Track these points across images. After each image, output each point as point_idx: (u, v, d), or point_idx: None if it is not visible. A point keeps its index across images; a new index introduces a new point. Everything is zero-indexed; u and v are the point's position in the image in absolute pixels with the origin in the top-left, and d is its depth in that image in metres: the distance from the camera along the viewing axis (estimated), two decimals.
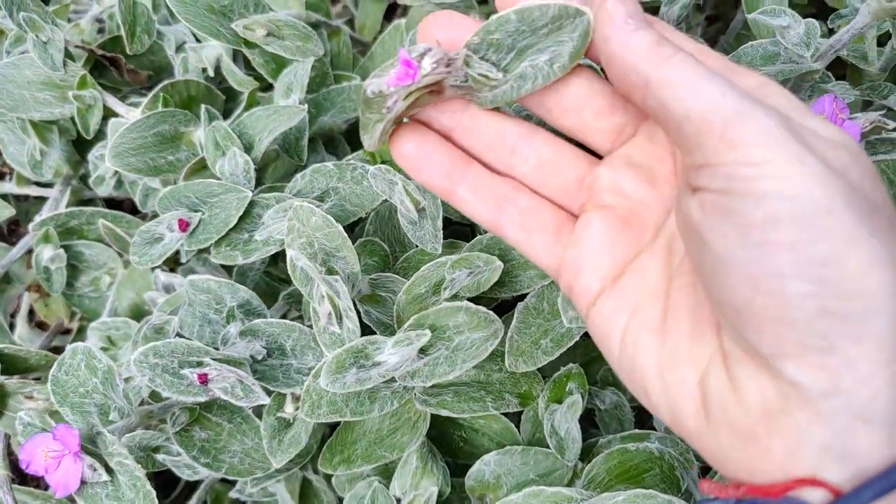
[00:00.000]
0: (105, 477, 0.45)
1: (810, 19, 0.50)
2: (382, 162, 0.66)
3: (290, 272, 0.49)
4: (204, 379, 0.49)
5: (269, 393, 0.51)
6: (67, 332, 0.89)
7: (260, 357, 0.52)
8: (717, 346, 0.33)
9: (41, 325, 0.95)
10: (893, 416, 0.28)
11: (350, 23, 0.97)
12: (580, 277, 0.39)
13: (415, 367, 0.47)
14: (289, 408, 0.53)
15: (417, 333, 0.46)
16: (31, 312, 0.93)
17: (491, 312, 0.47)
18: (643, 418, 0.67)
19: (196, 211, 0.58)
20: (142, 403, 0.56)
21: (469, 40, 0.36)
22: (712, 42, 0.88)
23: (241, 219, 0.57)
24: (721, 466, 0.33)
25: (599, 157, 0.41)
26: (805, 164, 0.29)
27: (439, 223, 0.53)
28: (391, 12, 1.00)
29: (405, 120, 0.40)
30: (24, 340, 0.86)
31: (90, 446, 0.47)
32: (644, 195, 0.38)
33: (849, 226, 0.28)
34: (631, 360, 0.36)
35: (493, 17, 0.36)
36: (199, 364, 0.49)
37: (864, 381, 0.28)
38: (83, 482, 0.45)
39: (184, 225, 0.56)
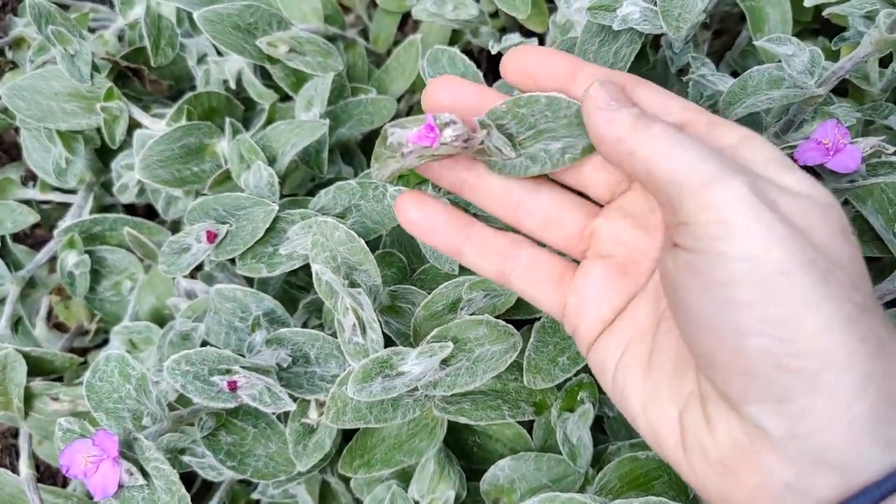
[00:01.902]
0: (141, 481, 0.48)
1: (814, 48, 0.52)
2: (400, 177, 0.68)
3: (315, 285, 0.51)
4: (233, 386, 0.51)
5: (293, 399, 0.53)
6: (85, 333, 0.91)
7: (285, 365, 0.54)
8: (695, 385, 0.36)
9: (58, 326, 0.97)
10: (845, 460, 0.31)
11: (363, 33, 0.99)
12: (581, 323, 0.42)
13: (437, 377, 0.49)
14: (313, 414, 0.55)
15: (440, 345, 0.48)
16: (49, 313, 0.96)
17: (510, 326, 0.50)
18: None
19: (223, 223, 0.60)
20: (169, 408, 0.58)
21: (496, 107, 0.40)
22: (718, 57, 0.90)
23: (266, 232, 0.59)
24: (700, 492, 0.36)
25: (600, 205, 0.43)
26: (768, 228, 0.31)
27: None
28: (403, 23, 1.02)
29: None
30: (43, 341, 0.88)
31: (127, 451, 0.49)
32: (641, 243, 0.41)
33: (806, 288, 0.31)
34: (620, 394, 0.40)
35: (526, 94, 0.39)
36: (228, 372, 0.52)
37: (819, 428, 0.31)
38: (120, 486, 0.48)
39: (212, 236, 0.59)
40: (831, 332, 0.30)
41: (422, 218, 0.43)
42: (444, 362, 0.49)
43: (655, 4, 0.52)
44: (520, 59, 0.41)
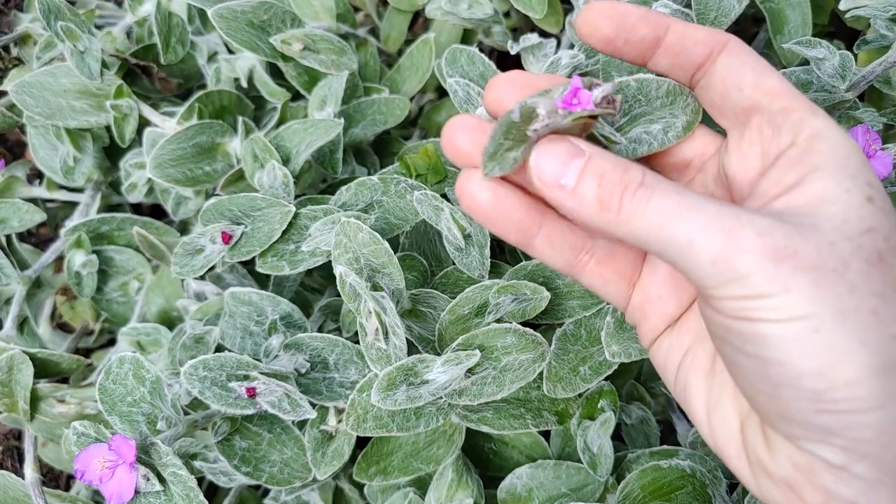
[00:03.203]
0: (158, 487, 0.47)
1: (845, 52, 0.52)
2: (417, 176, 0.67)
3: (339, 287, 0.50)
4: (252, 393, 0.50)
5: (312, 406, 0.52)
6: (90, 333, 0.90)
7: (303, 370, 0.53)
8: None
9: (62, 326, 0.96)
10: None
11: (372, 32, 0.98)
12: (644, 320, 0.41)
13: (462, 386, 0.48)
14: (332, 421, 0.54)
15: (467, 353, 0.47)
16: (52, 313, 0.94)
17: (538, 335, 0.49)
18: (666, 432, 0.68)
19: (238, 224, 0.59)
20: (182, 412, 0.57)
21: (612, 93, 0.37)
22: None
23: (285, 230, 0.58)
24: (763, 501, 0.35)
25: None
26: (791, 289, 0.30)
27: (486, 252, 0.54)
28: (412, 22, 1.01)
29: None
30: (47, 342, 0.86)
31: (143, 456, 0.48)
32: None
33: (838, 341, 0.30)
34: (683, 395, 0.39)
35: (615, 81, 0.37)
36: (247, 378, 0.50)
37: (876, 458, 0.31)
38: (136, 492, 0.46)
39: (227, 237, 0.58)
40: (868, 382, 0.30)
41: (495, 203, 0.38)
42: (470, 371, 0.48)
43: (686, 6, 0.51)
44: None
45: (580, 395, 0.57)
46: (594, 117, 0.35)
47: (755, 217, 0.31)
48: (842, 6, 0.42)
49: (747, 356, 0.32)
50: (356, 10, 1.05)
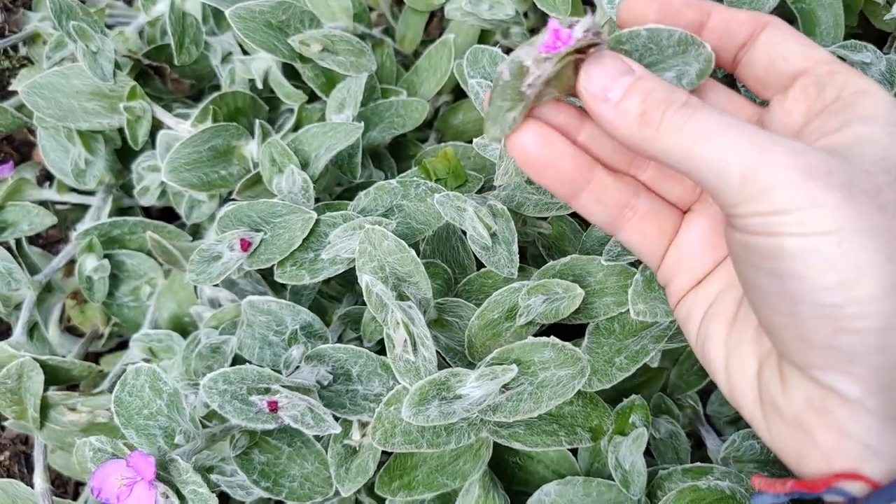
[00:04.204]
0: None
1: (893, 56, 0.50)
2: (437, 180, 0.65)
3: (365, 297, 0.48)
4: (274, 406, 0.48)
5: (335, 419, 0.50)
6: (99, 337, 0.88)
7: (325, 382, 0.51)
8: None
9: (70, 329, 0.94)
10: None
11: (386, 31, 0.96)
12: (675, 278, 0.42)
13: (497, 402, 0.46)
14: (355, 435, 0.52)
15: (503, 368, 0.45)
16: (61, 316, 0.92)
17: (577, 350, 0.47)
18: (694, 446, 0.66)
19: (258, 230, 0.57)
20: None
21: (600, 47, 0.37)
22: None
23: (306, 237, 0.56)
24: (776, 451, 0.36)
25: None
26: (820, 204, 0.30)
27: (514, 248, 0.53)
28: (427, 23, 0.99)
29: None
30: (56, 346, 0.85)
31: (161, 472, 0.46)
32: None
33: (862, 254, 0.29)
34: (703, 346, 0.40)
35: (626, 30, 0.37)
36: (268, 391, 0.49)
37: (892, 386, 0.30)
38: None
39: (245, 244, 0.56)
40: (890, 297, 0.29)
41: (546, 153, 0.38)
42: (505, 386, 0.46)
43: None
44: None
45: (612, 409, 0.55)
46: (583, 52, 0.35)
47: (792, 141, 0.32)
48: (888, 17, 0.41)
49: (767, 274, 0.32)
50: (370, 9, 1.04)
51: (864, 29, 0.87)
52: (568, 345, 0.47)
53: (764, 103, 0.41)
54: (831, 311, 0.30)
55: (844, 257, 0.30)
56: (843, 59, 0.51)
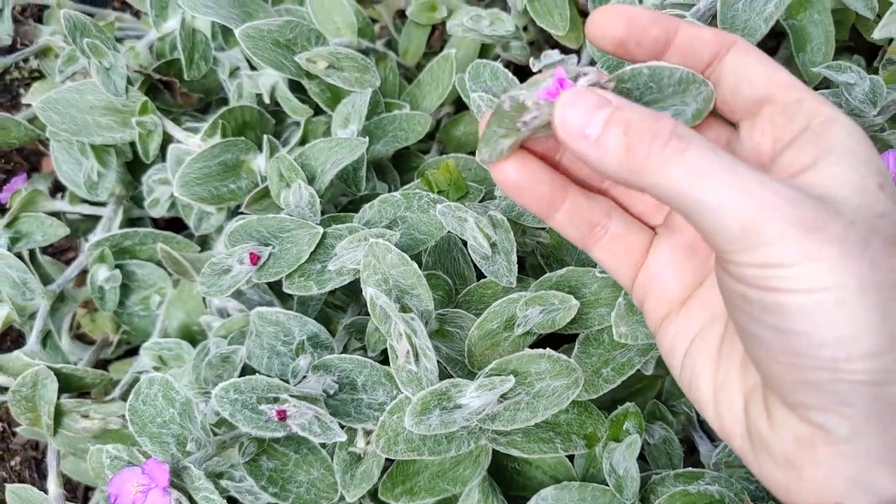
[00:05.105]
0: None
1: (875, 77, 0.52)
2: (439, 192, 0.67)
3: (369, 310, 0.50)
4: (283, 415, 0.50)
5: (340, 427, 0.52)
6: (108, 344, 0.91)
7: (331, 392, 0.54)
8: (759, 378, 0.36)
9: (79, 336, 0.96)
10: None
11: (389, 44, 0.98)
12: (648, 298, 0.43)
13: (495, 411, 0.49)
14: (360, 443, 0.54)
15: (501, 378, 0.47)
16: (70, 324, 0.95)
17: (572, 361, 0.49)
18: (688, 451, 0.68)
19: (266, 245, 0.59)
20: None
21: (606, 80, 0.37)
22: None
23: (313, 249, 0.58)
24: (765, 483, 0.36)
25: None
26: (818, 259, 0.30)
27: (513, 257, 0.55)
28: (429, 35, 1.01)
29: None
30: (67, 353, 0.87)
31: (175, 479, 0.48)
32: None
33: (861, 314, 0.30)
34: (689, 381, 0.40)
35: (628, 68, 0.37)
36: (277, 400, 0.51)
37: (883, 431, 0.31)
38: None
39: (255, 258, 0.58)
40: (885, 356, 0.30)
41: (523, 176, 0.40)
42: (503, 396, 0.48)
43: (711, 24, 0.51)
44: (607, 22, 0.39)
45: (607, 416, 0.57)
46: None
47: (786, 186, 0.31)
48: (876, 35, 0.43)
49: (766, 326, 0.32)
50: (373, 21, 1.06)
51: (855, 42, 0.88)
52: (563, 356, 0.49)
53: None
54: (831, 363, 0.31)
55: (843, 316, 0.30)
56: (828, 79, 0.53)
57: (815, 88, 0.60)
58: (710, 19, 0.55)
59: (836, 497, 0.33)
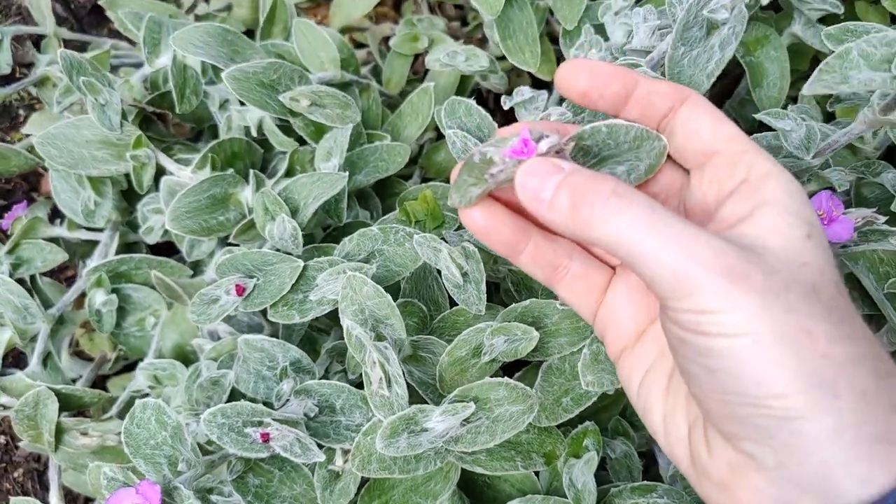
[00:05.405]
0: None
1: (811, 123, 0.56)
2: (416, 222, 0.72)
3: (346, 339, 0.55)
4: (266, 438, 0.54)
5: (320, 447, 0.56)
6: (106, 361, 0.95)
7: (312, 414, 0.58)
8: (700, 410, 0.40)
9: (78, 353, 1.01)
10: (823, 490, 0.34)
11: (374, 70, 1.02)
12: (608, 332, 0.47)
13: (458, 434, 0.53)
14: (338, 461, 0.59)
15: (463, 405, 0.52)
16: (70, 341, 0.99)
17: (528, 388, 0.53)
18: (650, 462, 0.73)
19: (251, 277, 0.64)
20: (200, 449, 0.61)
21: (566, 140, 0.41)
22: (718, 105, 0.94)
23: (294, 282, 0.62)
24: (707, 503, 0.40)
25: None
26: (741, 307, 0.34)
27: (483, 287, 0.59)
28: (413, 60, 1.05)
29: None
30: (66, 369, 0.91)
31: (166, 499, 0.52)
32: None
33: (775, 355, 0.34)
34: (643, 410, 0.45)
35: (588, 126, 0.41)
36: (261, 423, 0.55)
37: (799, 462, 0.35)
38: None
39: (240, 290, 0.62)
40: (801, 395, 0.34)
41: (489, 222, 0.44)
42: (466, 420, 0.53)
43: (661, 73, 0.56)
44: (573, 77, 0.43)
45: (566, 434, 0.61)
46: None
47: (714, 238, 0.35)
48: (805, 91, 0.47)
49: (699, 366, 0.36)
50: (359, 46, 1.10)
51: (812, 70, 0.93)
52: (520, 384, 0.53)
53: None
54: (755, 400, 0.34)
55: (762, 358, 0.34)
56: (767, 125, 0.57)
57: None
58: (662, 66, 0.60)
59: None
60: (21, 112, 1.18)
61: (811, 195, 0.55)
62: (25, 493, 0.96)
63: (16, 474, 0.99)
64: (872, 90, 0.49)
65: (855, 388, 0.34)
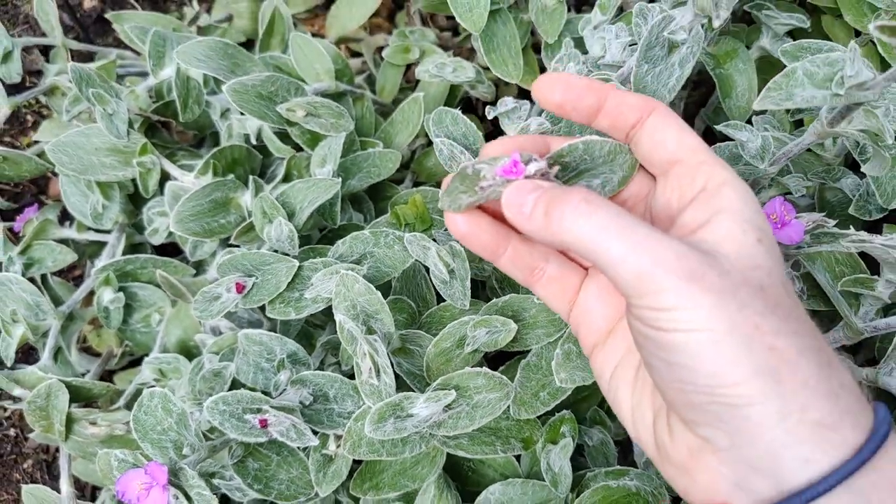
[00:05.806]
0: None
1: (767, 134, 0.61)
2: (405, 225, 0.76)
3: (338, 333, 0.59)
4: (264, 423, 0.59)
5: (315, 433, 0.61)
6: (113, 356, 1.00)
7: (307, 402, 0.63)
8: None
9: (86, 349, 1.06)
10: (772, 470, 0.38)
11: (369, 78, 1.07)
12: (581, 329, 0.51)
13: (441, 419, 0.58)
14: (331, 446, 0.63)
15: (445, 392, 0.57)
16: (77, 338, 1.04)
17: (504, 377, 0.58)
18: (627, 449, 0.78)
19: (250, 275, 0.68)
20: (203, 436, 0.66)
21: (548, 157, 0.46)
22: (693, 112, 0.99)
23: (292, 280, 0.67)
24: (671, 484, 0.44)
25: None
26: (697, 305, 0.37)
27: (468, 283, 0.64)
28: (407, 68, 1.10)
29: None
30: (75, 364, 0.96)
31: (173, 478, 0.57)
32: None
33: (728, 348, 0.38)
34: (613, 399, 0.49)
35: (566, 144, 0.45)
36: (259, 410, 0.60)
37: (749, 444, 0.38)
38: None
39: (240, 287, 0.67)
40: (750, 382, 0.38)
41: (471, 228, 0.48)
42: (448, 406, 0.58)
43: (627, 85, 0.60)
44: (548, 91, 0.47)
45: (544, 423, 0.66)
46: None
47: (676, 243, 0.39)
48: (755, 107, 0.51)
49: (659, 359, 0.39)
50: (356, 54, 1.15)
51: None
52: (497, 374, 0.58)
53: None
54: (709, 389, 0.38)
55: (715, 352, 0.37)
56: (727, 136, 0.62)
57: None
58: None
59: (723, 497, 0.40)
60: (30, 118, 1.22)
61: (769, 200, 0.59)
62: (35, 483, 1.01)
63: (25, 465, 1.04)
64: (815, 106, 0.53)
65: (798, 377, 0.38)
